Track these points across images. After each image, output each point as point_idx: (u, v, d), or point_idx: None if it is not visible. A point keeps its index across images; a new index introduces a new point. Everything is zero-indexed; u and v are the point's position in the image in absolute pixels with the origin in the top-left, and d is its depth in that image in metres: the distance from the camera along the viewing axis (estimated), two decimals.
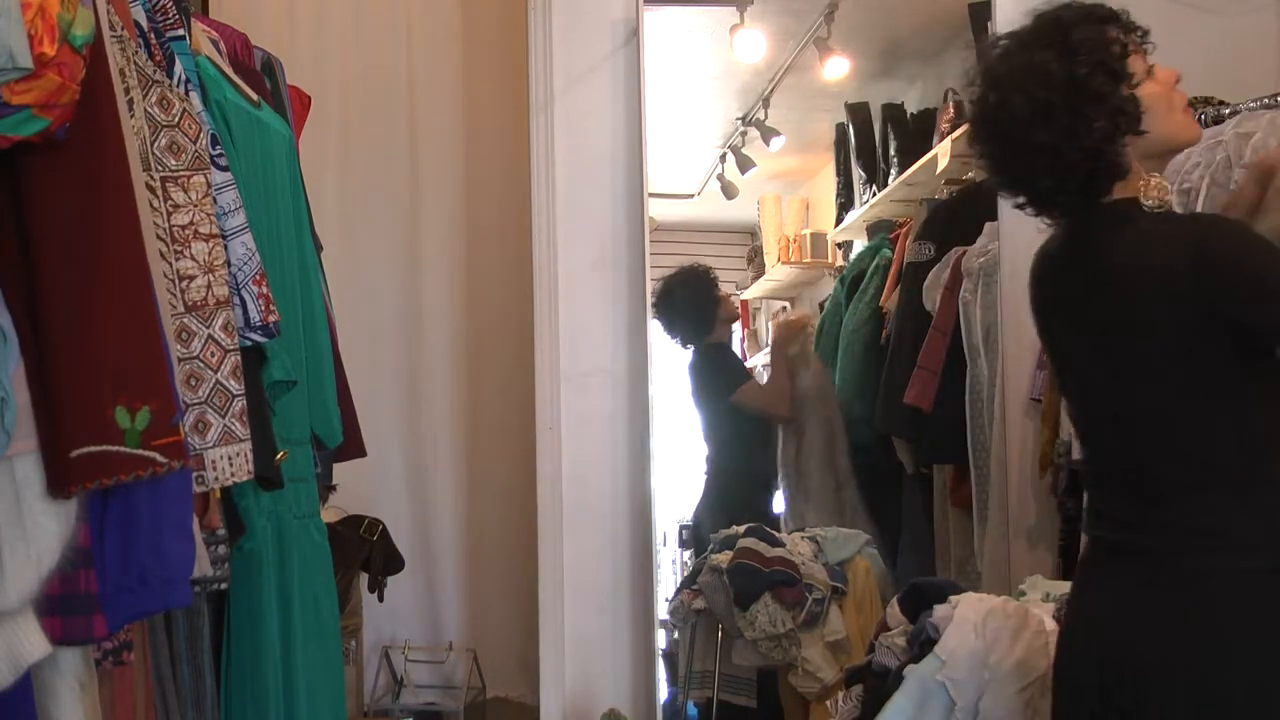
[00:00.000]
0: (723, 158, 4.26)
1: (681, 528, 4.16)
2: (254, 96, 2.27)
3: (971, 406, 3.36)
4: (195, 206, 1.85)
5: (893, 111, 4.03)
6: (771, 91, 4.05)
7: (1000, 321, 3.29)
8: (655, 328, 3.46)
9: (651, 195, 3.44)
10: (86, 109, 1.52)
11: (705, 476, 3.99)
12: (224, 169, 1.96)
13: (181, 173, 1.85)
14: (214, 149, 1.94)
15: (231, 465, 1.87)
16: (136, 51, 1.82)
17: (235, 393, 1.87)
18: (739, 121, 4.18)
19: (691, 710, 3.53)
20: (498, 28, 4.01)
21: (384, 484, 3.95)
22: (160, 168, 1.83)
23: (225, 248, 1.92)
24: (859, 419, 3.87)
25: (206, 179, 1.88)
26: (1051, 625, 2.17)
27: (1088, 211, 1.72)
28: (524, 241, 3.49)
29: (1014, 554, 3.24)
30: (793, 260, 4.33)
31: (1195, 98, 2.21)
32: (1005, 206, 3.29)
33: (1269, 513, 1.60)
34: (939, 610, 2.25)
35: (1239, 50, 3.11)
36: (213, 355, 1.86)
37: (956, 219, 3.57)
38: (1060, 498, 3.11)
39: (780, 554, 3.30)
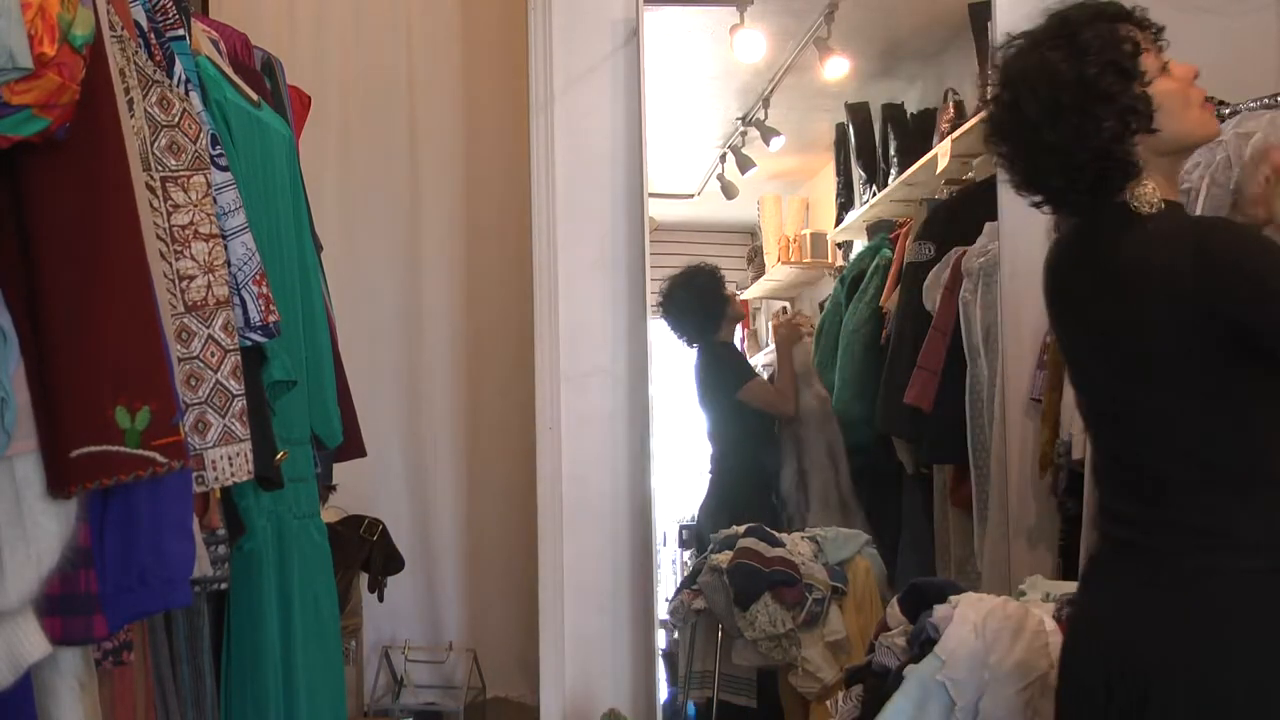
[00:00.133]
0: (723, 158, 4.26)
1: (681, 528, 4.17)
2: (254, 96, 2.27)
3: (971, 406, 3.36)
4: (195, 206, 1.85)
5: (893, 111, 4.03)
6: (771, 91, 4.05)
7: (1000, 321, 3.29)
8: (655, 327, 3.46)
9: (651, 195, 3.44)
10: (86, 109, 1.52)
11: (710, 476, 3.99)
12: (224, 169, 1.96)
13: (181, 173, 1.85)
14: (214, 149, 1.94)
15: (231, 465, 1.87)
16: (136, 51, 1.82)
17: (235, 393, 1.87)
18: (739, 121, 4.18)
19: (690, 710, 3.53)
20: (498, 28, 4.01)
21: (384, 484, 3.95)
22: (160, 168, 1.83)
23: (225, 248, 1.92)
24: (859, 419, 3.87)
25: (206, 179, 1.88)
26: (1051, 625, 2.17)
27: (1098, 210, 1.72)
28: (524, 241, 3.48)
29: (1014, 554, 3.24)
30: (793, 260, 4.33)
31: None
32: (1005, 206, 3.30)
33: (1269, 513, 1.60)
34: (939, 610, 2.25)
35: (1239, 50, 3.11)
36: (213, 355, 1.86)
37: (956, 219, 3.57)
38: (1060, 498, 3.11)
39: (780, 554, 3.30)
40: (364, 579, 3.61)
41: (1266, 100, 2.27)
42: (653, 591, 3.37)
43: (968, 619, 2.19)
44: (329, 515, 2.96)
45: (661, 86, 3.51)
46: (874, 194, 4.05)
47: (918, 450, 3.68)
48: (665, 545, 4.08)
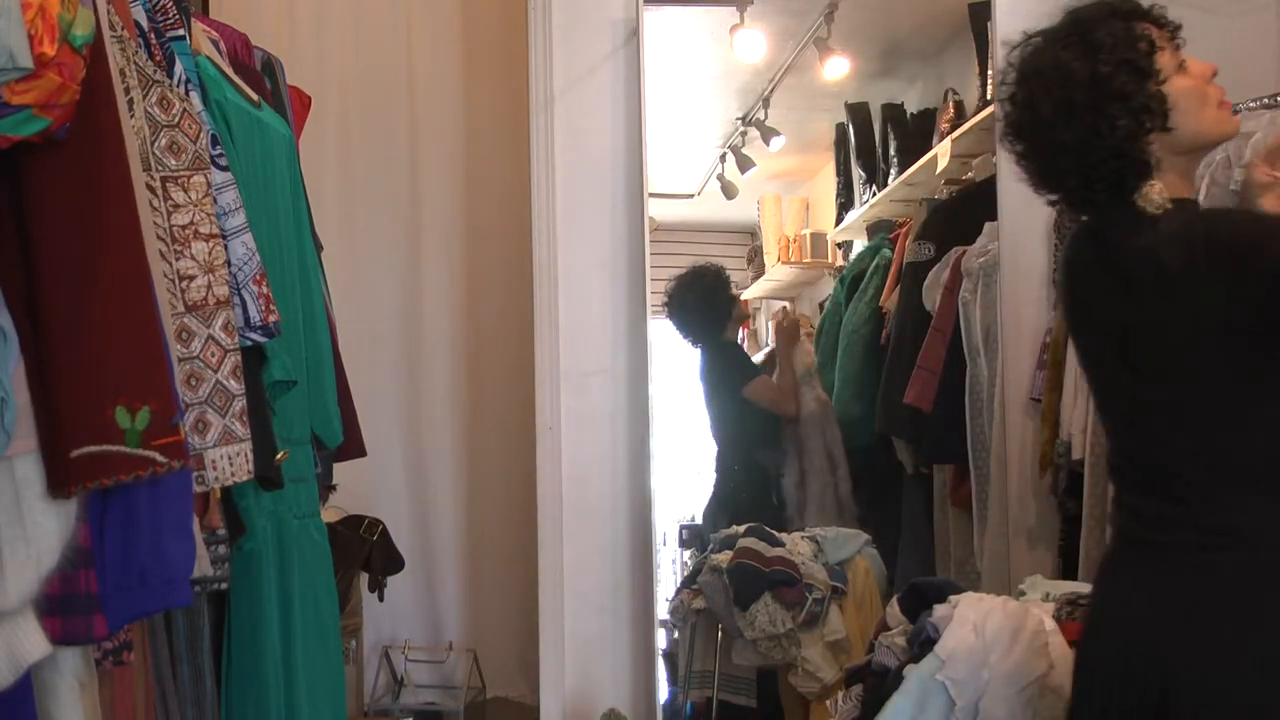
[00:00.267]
0: (723, 158, 4.26)
1: (681, 528, 4.16)
2: (254, 96, 2.27)
3: (971, 406, 3.36)
4: (195, 206, 1.85)
5: (893, 111, 4.03)
6: (771, 91, 4.05)
7: (1000, 321, 3.29)
8: (655, 327, 3.46)
9: (651, 195, 3.44)
10: (86, 109, 1.52)
11: (715, 475, 3.99)
12: (224, 169, 1.96)
13: (181, 173, 1.85)
14: (214, 149, 1.94)
15: (231, 465, 1.87)
16: (136, 51, 1.82)
17: (235, 393, 1.87)
18: (739, 121, 4.18)
19: (688, 710, 3.53)
20: (498, 28, 4.01)
21: (384, 484, 3.95)
22: (160, 168, 1.83)
23: (225, 248, 1.92)
24: (859, 419, 3.87)
25: (206, 179, 1.88)
26: (1051, 625, 2.17)
27: (1111, 210, 1.71)
28: (524, 241, 3.48)
29: (1014, 554, 3.24)
30: (793, 260, 4.33)
31: None
32: (1005, 206, 3.30)
33: None
34: (939, 610, 2.25)
35: (1239, 50, 3.10)
36: (213, 355, 1.86)
37: (956, 219, 3.57)
38: (1060, 498, 3.11)
39: (780, 554, 3.30)
40: (364, 579, 3.61)
41: (1266, 100, 2.27)
42: (653, 591, 3.37)
43: (968, 619, 2.19)
44: (329, 515, 2.96)
45: (661, 86, 3.51)
46: (874, 194, 4.05)
47: (918, 450, 3.68)
48: (665, 545, 4.08)
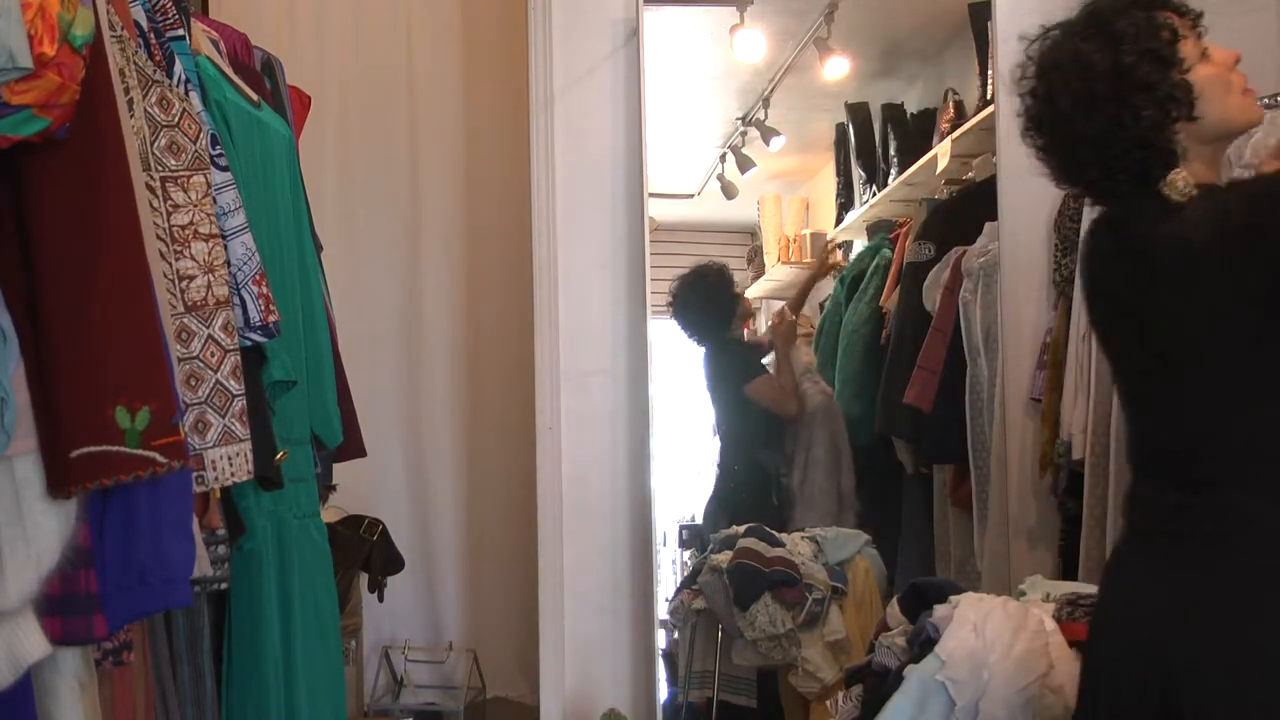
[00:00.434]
0: (723, 158, 4.26)
1: (681, 528, 4.16)
2: (254, 96, 2.27)
3: (971, 406, 3.36)
4: (195, 206, 1.85)
5: (893, 111, 4.03)
6: (771, 91, 4.05)
7: (1000, 321, 3.29)
8: (655, 327, 3.46)
9: (651, 195, 3.44)
10: (86, 109, 1.52)
11: (715, 474, 3.99)
12: (224, 169, 1.96)
13: (181, 173, 1.85)
14: (214, 149, 1.94)
15: (231, 465, 1.88)
16: (136, 51, 1.82)
17: (235, 393, 1.87)
18: (739, 121, 4.18)
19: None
20: (498, 28, 4.01)
21: (384, 484, 3.95)
22: (160, 168, 1.83)
23: (225, 248, 1.92)
24: (859, 419, 3.87)
25: (206, 179, 1.88)
26: (1051, 625, 2.17)
27: (1135, 200, 1.70)
28: (524, 241, 3.48)
29: (1014, 554, 3.24)
30: (793, 260, 4.32)
31: None
32: (1005, 206, 3.30)
33: None
34: (939, 610, 2.25)
35: (1239, 50, 3.10)
36: (213, 355, 1.86)
37: (956, 219, 3.57)
38: (1060, 498, 3.11)
39: (780, 554, 3.30)
40: (364, 579, 3.61)
41: (1267, 100, 2.27)
42: (653, 591, 3.37)
43: (968, 619, 2.19)
44: (329, 515, 2.96)
45: (661, 86, 3.51)
46: (874, 194, 4.05)
47: (918, 450, 3.68)
48: (665, 545, 4.08)
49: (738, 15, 3.66)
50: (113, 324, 1.55)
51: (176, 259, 1.83)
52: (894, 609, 2.44)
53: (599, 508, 3.39)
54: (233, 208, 1.96)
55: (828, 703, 3.04)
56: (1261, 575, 1.58)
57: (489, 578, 4.00)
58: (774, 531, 3.43)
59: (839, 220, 4.26)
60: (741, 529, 3.42)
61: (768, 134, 4.09)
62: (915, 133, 3.92)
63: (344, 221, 3.94)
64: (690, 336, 3.96)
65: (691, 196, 4.49)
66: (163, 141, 1.83)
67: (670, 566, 4.23)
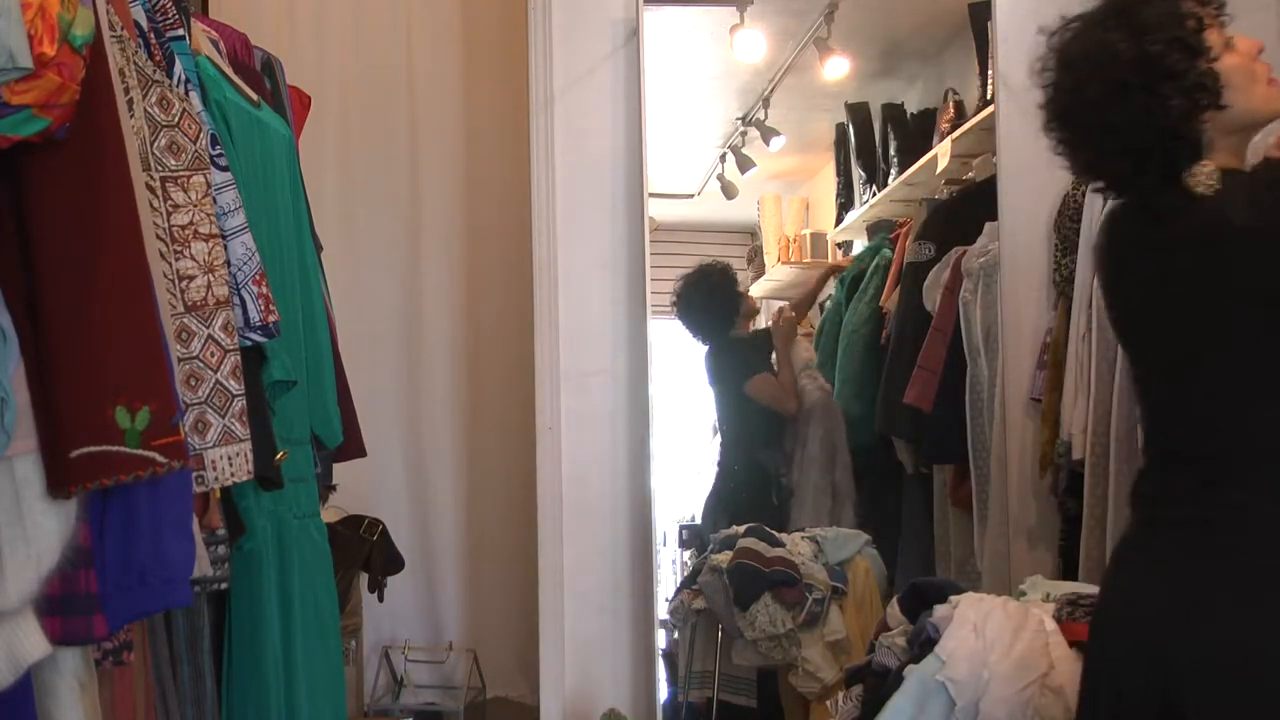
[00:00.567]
0: (723, 158, 4.26)
1: (681, 528, 4.16)
2: (254, 96, 2.27)
3: (971, 406, 3.36)
4: (195, 206, 1.85)
5: (893, 111, 4.03)
6: (771, 91, 4.05)
7: (1000, 321, 3.29)
8: (655, 327, 3.47)
9: (651, 195, 3.44)
10: (86, 109, 1.52)
11: (715, 473, 3.99)
12: (224, 169, 1.96)
13: (181, 173, 1.85)
14: (214, 149, 1.94)
15: (231, 465, 1.88)
16: (136, 51, 1.82)
17: (235, 393, 1.87)
18: (739, 121, 4.18)
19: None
20: (498, 28, 4.01)
21: (384, 484, 3.95)
22: (160, 168, 1.83)
23: (225, 248, 1.92)
24: (859, 419, 3.86)
25: (206, 179, 1.88)
26: (1051, 625, 2.17)
27: (1161, 191, 1.67)
28: (524, 241, 3.48)
29: (1014, 554, 3.24)
30: (793, 260, 4.32)
31: None
32: (1005, 206, 3.30)
33: None
34: (939, 610, 2.25)
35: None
36: (213, 355, 1.86)
37: (956, 219, 3.57)
38: (1060, 498, 3.11)
39: (780, 554, 3.30)
40: (364, 579, 3.61)
41: None
42: (653, 591, 3.37)
43: (968, 619, 2.19)
44: (329, 515, 2.96)
45: (661, 86, 3.51)
46: (874, 194, 4.05)
47: (918, 450, 3.68)
48: (665, 545, 4.08)
49: (738, 15, 3.66)
50: (113, 324, 1.55)
51: (176, 259, 1.83)
52: (894, 609, 2.44)
53: (599, 508, 3.39)
54: (233, 208, 1.96)
55: (828, 703, 3.04)
56: (1263, 575, 1.57)
57: (489, 578, 4.00)
58: (774, 531, 3.43)
59: (839, 220, 4.26)
60: (741, 529, 3.42)
61: (768, 134, 4.09)
62: (915, 133, 3.92)
63: (344, 221, 3.94)
64: (694, 335, 3.96)
65: (691, 196, 4.48)
66: (163, 141, 1.83)
67: (670, 566, 4.23)
